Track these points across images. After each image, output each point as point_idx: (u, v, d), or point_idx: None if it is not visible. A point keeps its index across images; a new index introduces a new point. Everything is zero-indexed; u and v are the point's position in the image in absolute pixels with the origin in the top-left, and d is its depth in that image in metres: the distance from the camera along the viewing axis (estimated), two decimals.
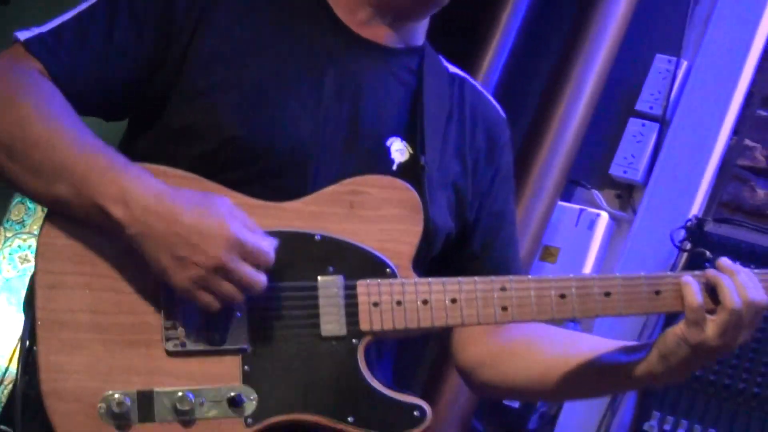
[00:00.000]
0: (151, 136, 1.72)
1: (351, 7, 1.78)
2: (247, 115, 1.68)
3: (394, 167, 1.74)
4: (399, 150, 1.75)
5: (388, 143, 1.75)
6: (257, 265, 1.55)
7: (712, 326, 1.63)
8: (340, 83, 1.75)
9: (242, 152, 1.67)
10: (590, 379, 1.79)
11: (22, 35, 1.66)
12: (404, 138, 1.77)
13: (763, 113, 3.20)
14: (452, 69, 1.92)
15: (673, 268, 3.02)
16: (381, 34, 1.79)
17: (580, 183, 3.33)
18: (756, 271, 1.69)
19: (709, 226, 3.03)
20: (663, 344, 1.66)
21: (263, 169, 1.67)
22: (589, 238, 3.22)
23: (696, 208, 3.12)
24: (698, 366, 1.69)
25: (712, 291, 1.65)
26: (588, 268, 3.21)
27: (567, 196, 3.32)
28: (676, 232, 3.02)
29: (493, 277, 1.70)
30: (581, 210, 3.26)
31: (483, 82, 3.15)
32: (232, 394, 1.58)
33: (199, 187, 1.63)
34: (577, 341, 1.83)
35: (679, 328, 1.65)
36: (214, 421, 1.58)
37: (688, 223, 3.02)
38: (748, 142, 3.17)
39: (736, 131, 3.17)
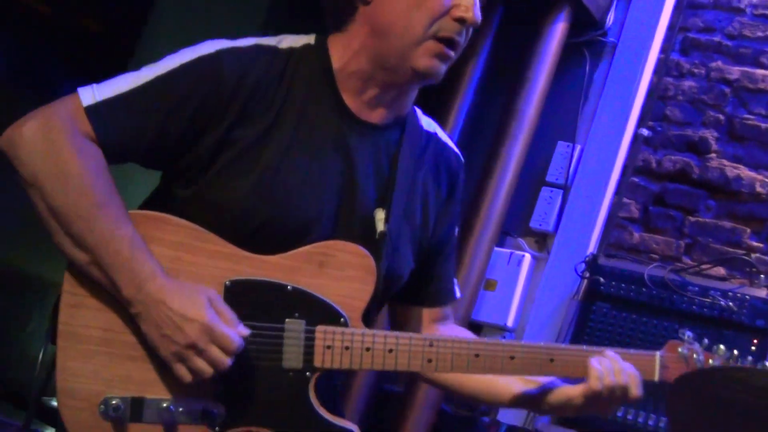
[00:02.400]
0: (186, 195, 1.74)
1: (358, 90, 1.77)
2: (261, 194, 1.70)
3: (377, 235, 1.78)
4: (380, 220, 1.79)
5: (374, 214, 1.80)
6: (224, 349, 1.59)
7: (579, 395, 1.78)
8: (340, 163, 1.75)
9: (254, 222, 1.71)
10: (515, 393, 1.89)
11: (83, 96, 1.65)
12: (383, 208, 1.80)
13: (635, 179, 3.56)
14: (426, 126, 1.90)
15: (578, 291, 3.34)
16: (377, 115, 1.79)
17: (509, 233, 3.67)
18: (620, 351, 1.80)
19: (602, 260, 3.39)
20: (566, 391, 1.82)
21: (268, 236, 1.72)
22: (517, 272, 3.57)
23: (591, 248, 3.50)
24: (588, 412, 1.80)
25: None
26: (518, 294, 3.52)
27: (501, 243, 3.64)
28: (578, 265, 3.40)
29: (425, 335, 1.78)
30: (511, 253, 3.60)
31: None
32: (207, 406, 1.66)
33: (199, 238, 1.67)
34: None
35: (576, 389, 1.79)
36: (190, 426, 1.64)
37: (587, 259, 3.41)
38: (625, 200, 3.55)
39: (617, 193, 3.54)
